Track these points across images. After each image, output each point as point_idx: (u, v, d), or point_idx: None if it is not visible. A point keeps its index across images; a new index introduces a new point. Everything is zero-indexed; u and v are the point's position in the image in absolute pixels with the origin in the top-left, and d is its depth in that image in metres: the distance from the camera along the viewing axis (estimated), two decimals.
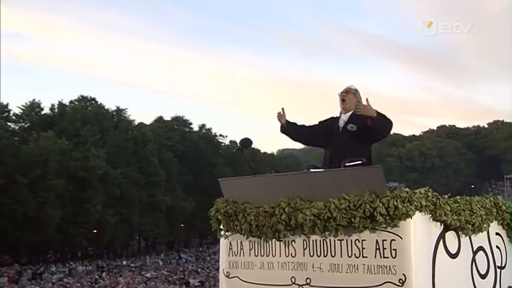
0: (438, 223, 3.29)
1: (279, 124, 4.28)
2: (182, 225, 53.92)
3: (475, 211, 3.43)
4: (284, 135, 4.35)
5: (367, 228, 3.24)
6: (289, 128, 4.32)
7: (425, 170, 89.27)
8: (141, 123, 54.37)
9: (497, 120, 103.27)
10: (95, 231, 41.82)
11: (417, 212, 3.15)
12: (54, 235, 38.07)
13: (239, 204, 3.80)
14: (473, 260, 3.51)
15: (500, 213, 3.74)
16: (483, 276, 3.56)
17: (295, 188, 3.54)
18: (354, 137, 3.99)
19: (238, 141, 4.12)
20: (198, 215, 53.11)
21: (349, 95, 4.15)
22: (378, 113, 3.90)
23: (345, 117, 4.17)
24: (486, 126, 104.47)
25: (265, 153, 68.88)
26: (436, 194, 3.25)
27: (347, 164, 3.55)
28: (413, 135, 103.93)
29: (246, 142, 4.04)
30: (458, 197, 3.44)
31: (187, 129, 61.69)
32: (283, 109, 4.29)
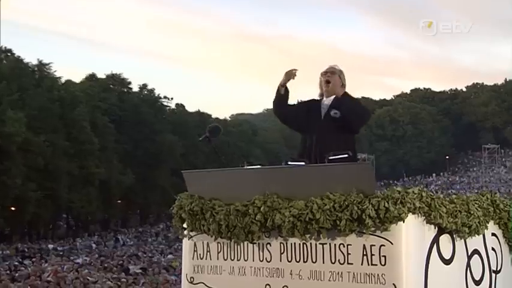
0: (432, 226, 3.40)
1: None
2: (119, 201, 53.54)
3: (472, 212, 3.57)
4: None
5: (354, 232, 3.32)
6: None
7: (397, 139, 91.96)
8: (69, 81, 53.15)
9: (477, 83, 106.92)
10: (13, 208, 40.93)
11: (410, 215, 3.25)
12: None
13: (206, 201, 3.81)
14: (468, 265, 3.67)
15: (497, 211, 3.91)
16: (477, 283, 3.73)
17: (272, 183, 3.57)
18: (337, 125, 4.04)
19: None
20: (138, 190, 52.93)
21: (334, 77, 4.18)
22: (347, 96, 3.99)
23: (327, 102, 4.21)
24: (464, 89, 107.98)
25: (216, 118, 68.65)
26: (431, 194, 3.35)
27: (331, 158, 3.60)
28: (384, 99, 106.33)
29: (215, 129, 4.02)
30: (454, 196, 3.57)
31: (125, 90, 60.49)
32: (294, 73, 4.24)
